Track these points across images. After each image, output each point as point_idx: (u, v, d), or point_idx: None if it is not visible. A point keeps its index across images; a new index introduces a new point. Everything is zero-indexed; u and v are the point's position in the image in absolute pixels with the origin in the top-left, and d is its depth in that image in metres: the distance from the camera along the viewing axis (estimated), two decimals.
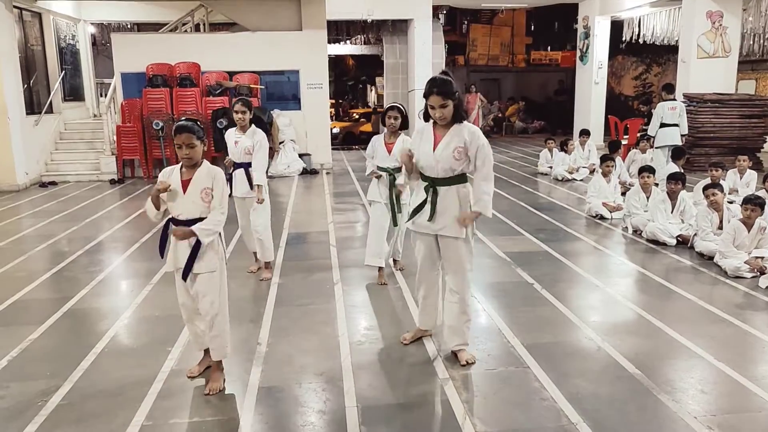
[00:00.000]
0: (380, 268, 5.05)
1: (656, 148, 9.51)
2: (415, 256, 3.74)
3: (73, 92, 14.16)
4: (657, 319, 4.18)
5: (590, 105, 15.49)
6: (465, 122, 3.42)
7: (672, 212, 6.27)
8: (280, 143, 11.94)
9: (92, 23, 15.35)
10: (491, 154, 3.41)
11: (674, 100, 9.77)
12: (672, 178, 6.37)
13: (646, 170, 6.72)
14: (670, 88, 10.02)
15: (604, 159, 7.77)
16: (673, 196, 6.32)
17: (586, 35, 15.73)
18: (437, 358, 3.62)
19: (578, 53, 16.19)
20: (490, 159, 3.40)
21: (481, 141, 3.36)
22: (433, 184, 3.43)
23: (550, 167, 10.85)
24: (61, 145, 12.35)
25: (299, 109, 12.62)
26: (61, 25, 13.69)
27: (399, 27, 15.81)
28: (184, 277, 3.22)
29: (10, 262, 5.98)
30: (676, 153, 8.04)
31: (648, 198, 6.58)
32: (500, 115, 21.34)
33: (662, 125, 9.40)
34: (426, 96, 3.33)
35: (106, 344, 3.91)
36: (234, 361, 3.62)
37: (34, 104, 12.32)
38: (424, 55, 14.82)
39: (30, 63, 12.36)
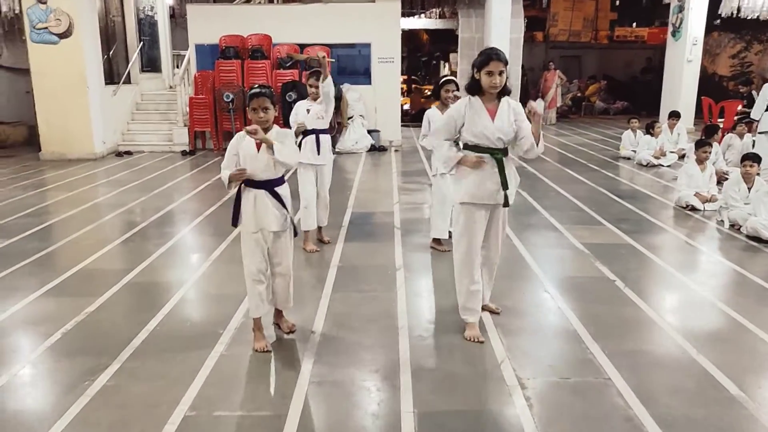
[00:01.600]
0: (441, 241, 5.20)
1: (760, 133, 8.62)
2: (465, 236, 3.52)
3: (151, 63, 14.40)
4: (759, 329, 3.66)
5: (681, 85, 14.36)
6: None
7: None
8: (349, 118, 11.70)
9: None
10: None
11: None
12: None
13: (750, 158, 6.00)
14: None
15: (699, 144, 7.04)
16: None
17: (680, 8, 14.54)
18: (505, 361, 3.27)
19: (670, 28, 15.02)
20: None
21: (524, 113, 3.53)
22: (494, 155, 3.47)
23: (634, 151, 10.10)
24: (137, 115, 12.59)
25: (369, 83, 12.32)
26: None
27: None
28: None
29: (80, 229, 6.04)
30: None
31: (750, 189, 5.90)
32: (579, 94, 20.28)
33: None
34: (485, 63, 3.32)
35: (159, 322, 3.79)
36: (286, 349, 3.41)
37: (114, 74, 12.62)
38: (502, 29, 14.10)
39: (110, 34, 12.64)
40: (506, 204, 3.52)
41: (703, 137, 7.85)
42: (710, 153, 7.09)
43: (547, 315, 3.92)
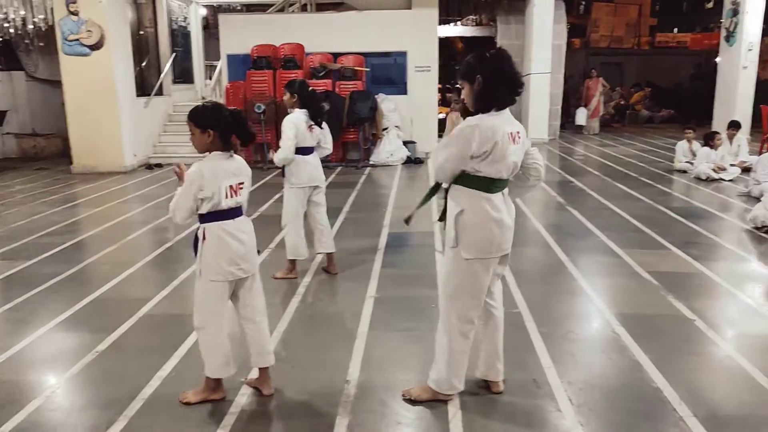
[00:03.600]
0: None
1: None
2: (473, 293, 2.80)
3: (183, 74, 14.23)
4: None
5: (736, 93, 13.50)
6: None
7: None
8: (384, 130, 11.25)
9: (203, 5, 15.38)
10: None
11: None
12: None
13: None
14: None
15: None
16: None
17: (734, 12, 13.72)
18: (577, 428, 2.74)
19: (723, 33, 14.21)
20: None
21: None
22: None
23: (690, 163, 9.40)
24: (169, 127, 12.37)
25: (405, 93, 11.86)
26: (173, 8, 13.75)
27: (516, 6, 14.60)
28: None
29: (102, 250, 5.70)
30: None
31: None
32: (623, 102, 19.48)
33: None
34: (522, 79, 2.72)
35: (173, 367, 3.35)
36: (316, 405, 2.94)
37: (146, 86, 12.44)
38: (544, 35, 13.56)
39: (143, 45, 12.48)
40: None
41: None
42: None
43: (620, 367, 3.34)
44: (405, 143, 11.32)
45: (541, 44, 13.52)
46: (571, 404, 2.91)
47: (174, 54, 13.42)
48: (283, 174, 4.76)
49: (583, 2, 20.86)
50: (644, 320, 3.92)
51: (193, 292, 2.94)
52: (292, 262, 4.85)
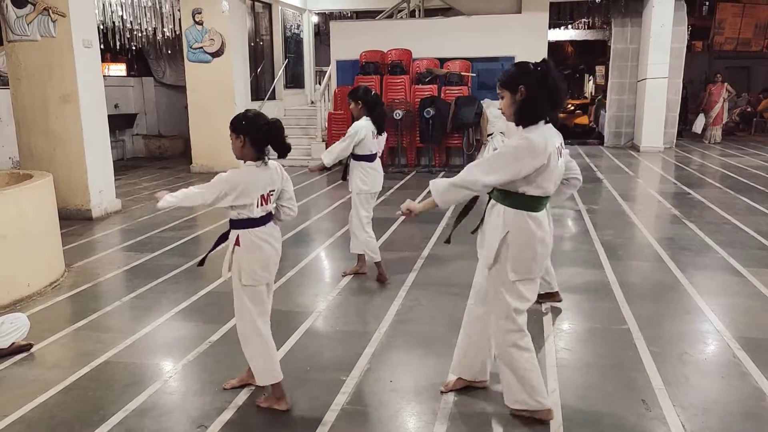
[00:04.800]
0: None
1: None
2: (520, 310, 2.74)
3: (294, 80, 14.82)
4: None
5: None
6: None
7: None
8: (489, 135, 11.10)
9: (316, 13, 15.94)
10: None
11: None
12: None
13: None
14: None
15: None
16: None
17: None
18: None
19: None
20: None
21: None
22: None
23: None
24: None
25: None
26: (288, 15, 14.37)
27: (632, 7, 13.94)
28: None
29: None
30: None
31: None
32: (750, 109, 18.03)
33: None
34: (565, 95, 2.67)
35: (283, 356, 3.50)
36: (413, 410, 2.97)
37: (260, 91, 13.07)
38: (662, 38, 12.84)
39: (258, 52, 13.12)
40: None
41: None
42: None
43: (740, 393, 3.11)
44: None
45: (658, 47, 12.82)
46: (683, 430, 2.75)
47: (287, 60, 14.01)
48: (344, 178, 4.86)
49: (707, 2, 19.55)
50: None
51: (233, 304, 2.99)
52: (362, 257, 4.97)
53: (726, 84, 14.92)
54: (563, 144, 2.73)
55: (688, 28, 14.01)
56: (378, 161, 4.88)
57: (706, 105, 14.97)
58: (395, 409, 2.99)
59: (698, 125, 14.94)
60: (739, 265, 5.11)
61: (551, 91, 2.58)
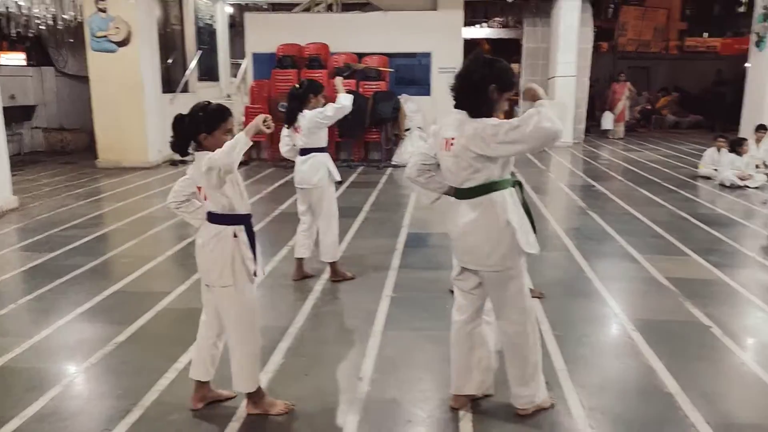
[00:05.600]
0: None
1: None
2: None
3: (208, 72, 14.38)
4: None
5: (765, 98, 13.27)
6: None
7: None
8: (406, 130, 11.26)
9: (230, 3, 15.53)
10: None
11: None
12: None
13: None
14: None
15: None
16: None
17: (765, 17, 13.47)
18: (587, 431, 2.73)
19: (753, 38, 13.94)
20: None
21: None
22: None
23: (716, 170, 9.25)
24: None
25: (428, 94, 11.86)
26: (200, 5, 13.92)
27: (543, 8, 14.50)
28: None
29: (124, 243, 5.81)
30: None
31: None
32: (649, 106, 19.22)
33: None
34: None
35: (189, 359, 3.41)
36: (328, 401, 2.97)
37: (172, 82, 12.60)
38: (569, 39, 13.44)
39: (169, 42, 12.64)
40: None
41: None
42: None
43: (633, 371, 3.32)
44: None
45: (566, 47, 13.41)
46: (582, 407, 2.90)
47: (200, 51, 13.58)
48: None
49: (612, 6, 20.64)
50: (660, 326, 3.88)
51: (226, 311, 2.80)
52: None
53: (628, 83, 15.83)
54: None
55: (594, 29, 14.74)
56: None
57: (610, 103, 15.83)
58: (311, 390, 2.98)
59: (606, 122, 15.77)
60: (635, 252, 5.45)
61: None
